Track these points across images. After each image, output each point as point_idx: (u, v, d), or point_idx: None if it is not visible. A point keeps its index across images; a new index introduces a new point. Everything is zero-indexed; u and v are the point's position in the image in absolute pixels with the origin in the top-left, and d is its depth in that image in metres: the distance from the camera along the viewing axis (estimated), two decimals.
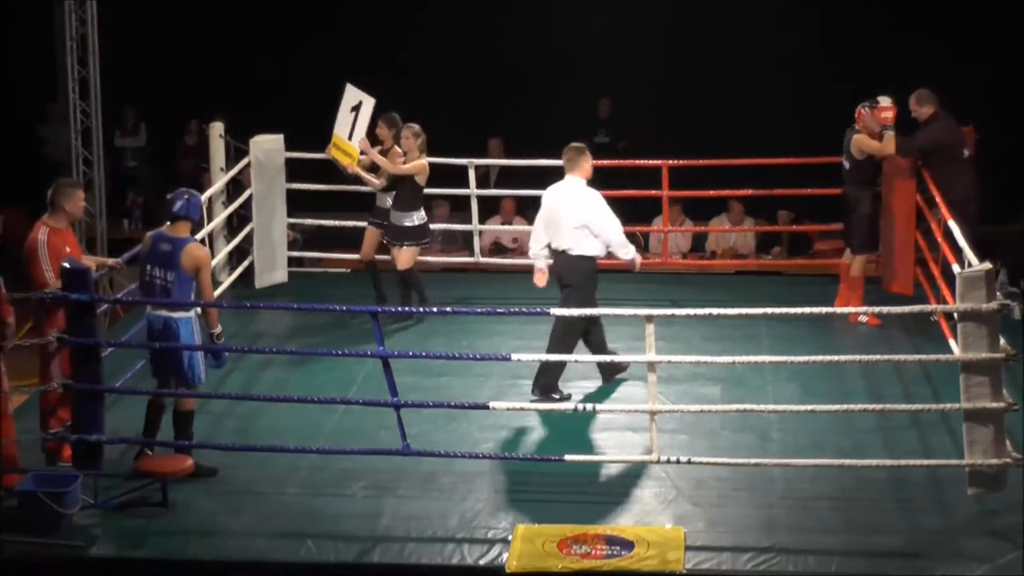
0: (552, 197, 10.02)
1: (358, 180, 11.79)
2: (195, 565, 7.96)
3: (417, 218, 11.53)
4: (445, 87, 15.73)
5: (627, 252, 9.99)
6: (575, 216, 9.82)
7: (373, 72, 15.59)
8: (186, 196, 8.81)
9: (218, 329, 8.89)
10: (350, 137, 11.57)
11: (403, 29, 15.76)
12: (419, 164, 11.41)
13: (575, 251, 9.83)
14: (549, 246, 10.00)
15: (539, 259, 10.08)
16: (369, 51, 15.68)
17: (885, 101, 11.20)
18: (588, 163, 9.99)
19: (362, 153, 11.59)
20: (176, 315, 8.70)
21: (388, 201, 11.60)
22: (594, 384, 10.14)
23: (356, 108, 11.56)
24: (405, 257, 11.55)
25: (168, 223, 8.82)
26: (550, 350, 9.76)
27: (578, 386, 10.14)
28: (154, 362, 8.90)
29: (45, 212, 9.05)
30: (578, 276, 9.86)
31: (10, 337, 8.54)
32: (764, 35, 15.15)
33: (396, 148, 11.51)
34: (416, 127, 11.46)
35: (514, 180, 13.59)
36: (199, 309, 8.80)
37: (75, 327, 8.50)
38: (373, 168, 11.64)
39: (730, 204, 14.01)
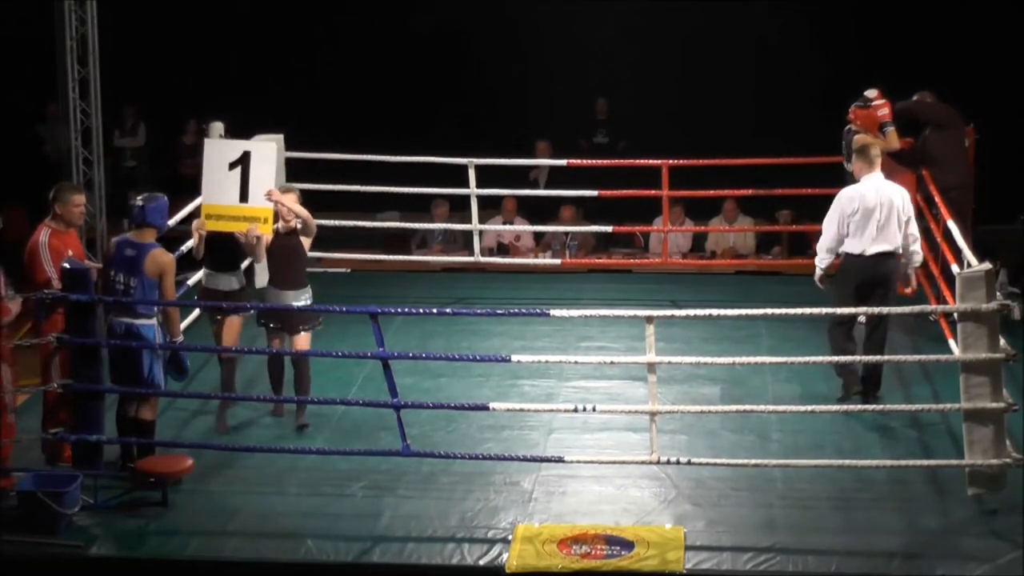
0: (874, 198, 9.67)
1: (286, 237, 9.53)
2: (195, 565, 7.95)
3: (307, 296, 9.57)
4: (442, 88, 15.74)
5: (920, 251, 9.83)
6: (905, 211, 9.69)
7: (370, 72, 15.68)
8: (142, 203, 8.73)
9: (181, 338, 8.84)
10: (244, 198, 9.52)
11: (400, 29, 15.76)
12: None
13: (898, 249, 9.69)
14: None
15: (826, 262, 9.84)
16: (368, 51, 15.69)
17: (872, 93, 11.22)
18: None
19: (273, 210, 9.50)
20: (139, 322, 8.69)
21: (232, 282, 9.57)
22: (594, 384, 10.14)
23: (240, 161, 9.58)
24: (302, 345, 9.53)
25: (133, 228, 8.78)
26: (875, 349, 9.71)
27: (578, 386, 10.14)
28: (114, 370, 8.76)
29: (48, 214, 9.07)
30: (894, 275, 9.76)
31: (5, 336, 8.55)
32: (762, 35, 15.15)
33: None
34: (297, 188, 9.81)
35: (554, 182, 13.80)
36: (161, 317, 8.78)
37: (75, 327, 8.51)
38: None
39: (723, 204, 13.98)
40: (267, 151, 9.59)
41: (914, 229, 9.73)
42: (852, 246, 9.66)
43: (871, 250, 9.60)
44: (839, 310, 9.39)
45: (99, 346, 8.63)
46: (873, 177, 9.77)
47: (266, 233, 9.42)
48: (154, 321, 8.76)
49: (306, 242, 9.52)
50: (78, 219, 9.16)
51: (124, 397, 8.85)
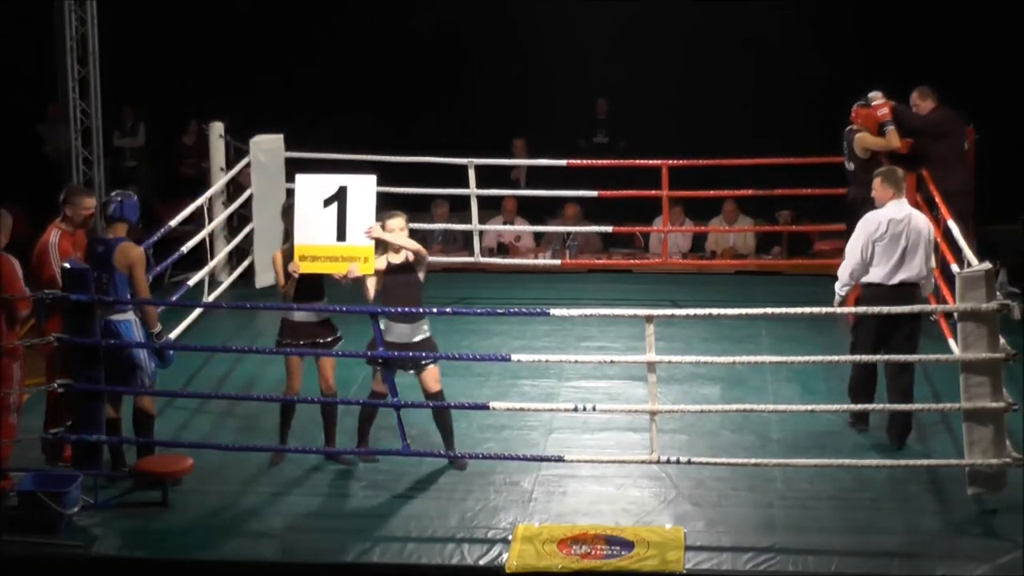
0: (902, 223, 9.09)
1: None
2: (195, 565, 7.95)
3: (426, 327, 8.81)
4: (440, 88, 15.74)
5: (932, 283, 9.33)
6: (929, 240, 9.16)
7: (370, 72, 15.69)
8: (119, 198, 8.84)
9: (157, 328, 8.85)
10: (342, 236, 8.82)
11: (400, 29, 15.76)
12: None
13: (920, 279, 9.15)
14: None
15: (847, 289, 9.30)
16: (368, 51, 15.69)
17: (877, 97, 11.22)
18: None
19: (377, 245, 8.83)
20: (115, 317, 8.70)
21: (312, 313, 8.97)
22: (594, 384, 10.14)
23: (336, 197, 8.86)
24: (437, 374, 8.88)
25: (106, 225, 8.83)
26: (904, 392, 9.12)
27: (578, 386, 10.14)
28: (105, 367, 8.71)
29: (57, 214, 9.07)
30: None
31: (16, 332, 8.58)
32: (762, 35, 15.15)
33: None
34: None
35: (540, 181, 13.79)
36: (138, 310, 8.78)
37: (75, 327, 8.51)
38: None
39: (723, 204, 13.98)
40: (367, 184, 8.86)
41: (933, 261, 9.30)
42: (874, 274, 9.12)
43: (894, 279, 9.08)
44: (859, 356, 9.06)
45: (99, 346, 8.63)
46: (901, 203, 9.19)
47: (367, 273, 8.78)
48: (131, 315, 8.76)
49: (421, 274, 8.85)
50: (85, 222, 9.15)
51: (109, 397, 8.83)
